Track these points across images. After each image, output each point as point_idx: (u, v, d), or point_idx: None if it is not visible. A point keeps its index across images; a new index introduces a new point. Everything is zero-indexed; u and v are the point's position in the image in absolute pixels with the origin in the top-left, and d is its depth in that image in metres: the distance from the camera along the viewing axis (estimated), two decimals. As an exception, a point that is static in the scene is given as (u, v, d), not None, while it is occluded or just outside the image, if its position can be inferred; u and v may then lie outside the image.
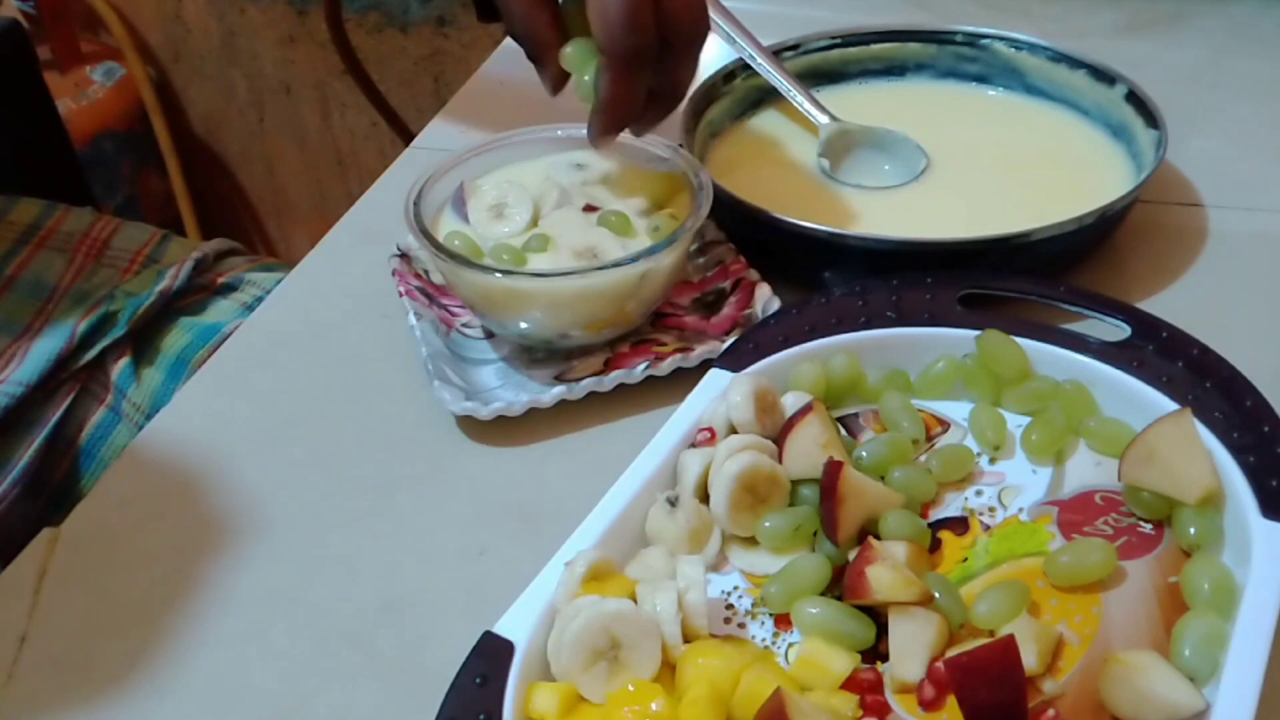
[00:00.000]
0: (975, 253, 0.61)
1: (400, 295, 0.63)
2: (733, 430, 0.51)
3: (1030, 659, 0.42)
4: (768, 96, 0.76)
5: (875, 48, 0.78)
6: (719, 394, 0.53)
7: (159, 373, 0.77)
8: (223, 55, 1.70)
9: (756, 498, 0.49)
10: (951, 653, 0.43)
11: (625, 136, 0.64)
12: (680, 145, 0.65)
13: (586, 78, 0.57)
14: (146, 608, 0.51)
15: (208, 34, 1.70)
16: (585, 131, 0.59)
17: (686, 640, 0.44)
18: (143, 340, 0.78)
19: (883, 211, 0.68)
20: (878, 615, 0.45)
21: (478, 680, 0.42)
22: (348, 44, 1.36)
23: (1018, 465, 0.52)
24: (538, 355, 0.61)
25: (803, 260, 0.64)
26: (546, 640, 0.43)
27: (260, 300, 0.80)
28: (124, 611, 0.51)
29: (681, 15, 0.55)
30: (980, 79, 0.77)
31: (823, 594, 0.46)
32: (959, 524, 0.50)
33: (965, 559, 0.48)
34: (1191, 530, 0.47)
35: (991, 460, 0.52)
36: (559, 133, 0.65)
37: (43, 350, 0.75)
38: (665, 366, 0.58)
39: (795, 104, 0.73)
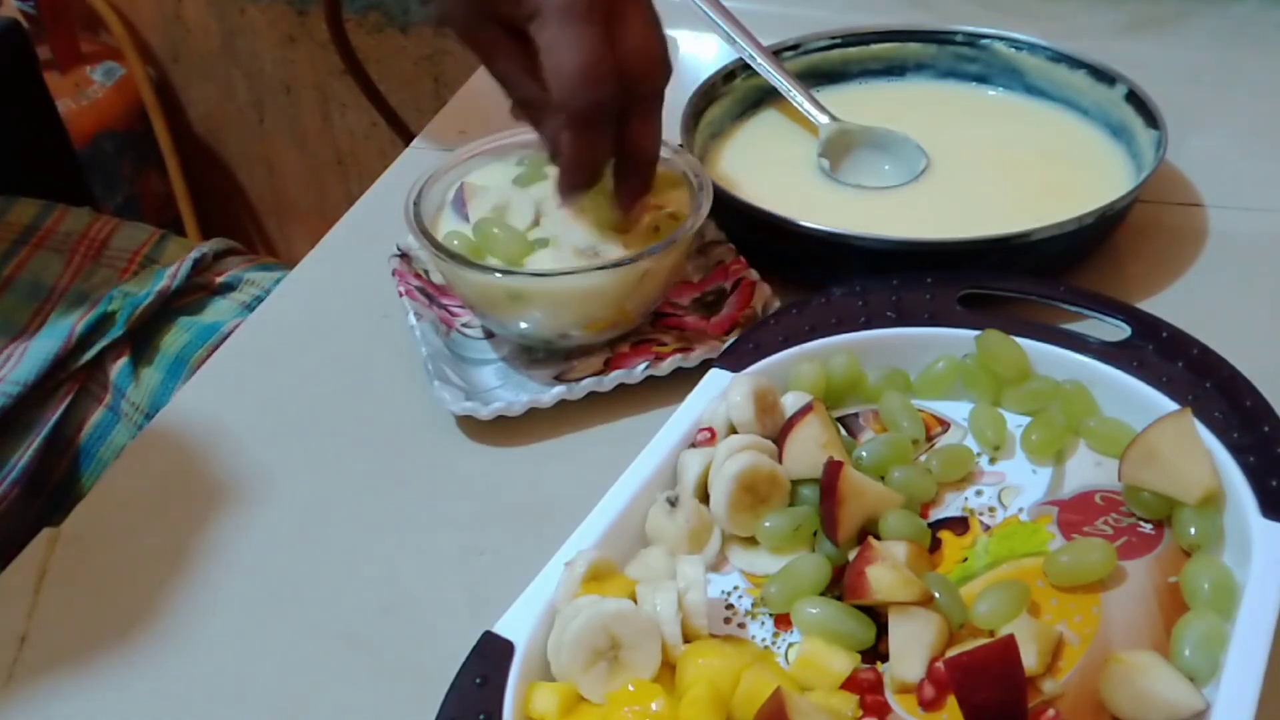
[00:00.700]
0: (975, 253, 0.61)
1: (400, 295, 0.63)
2: (733, 430, 0.51)
3: (1030, 659, 0.42)
4: (768, 96, 0.76)
5: (875, 48, 0.78)
6: (719, 394, 0.53)
7: (158, 372, 0.77)
8: (223, 55, 1.70)
9: (756, 498, 0.49)
10: (951, 653, 0.43)
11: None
12: (680, 145, 0.65)
13: None
14: (146, 608, 0.51)
15: (208, 34, 1.69)
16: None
17: (686, 640, 0.44)
18: (141, 340, 0.78)
19: (883, 211, 0.68)
20: (878, 615, 0.45)
21: (478, 680, 0.42)
22: (348, 44, 1.36)
23: (1018, 465, 0.52)
24: (538, 355, 0.61)
25: (803, 260, 0.64)
26: (546, 640, 0.43)
27: (259, 300, 0.80)
28: (124, 611, 0.51)
29: (638, 66, 0.53)
30: (980, 79, 0.77)
31: (823, 594, 0.46)
32: (959, 524, 0.50)
33: (965, 559, 0.48)
34: (1191, 530, 0.47)
35: (991, 460, 0.52)
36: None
37: (40, 350, 0.75)
38: (665, 366, 0.58)
39: (795, 104, 0.73)
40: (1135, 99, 0.69)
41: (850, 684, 0.43)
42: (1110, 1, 0.93)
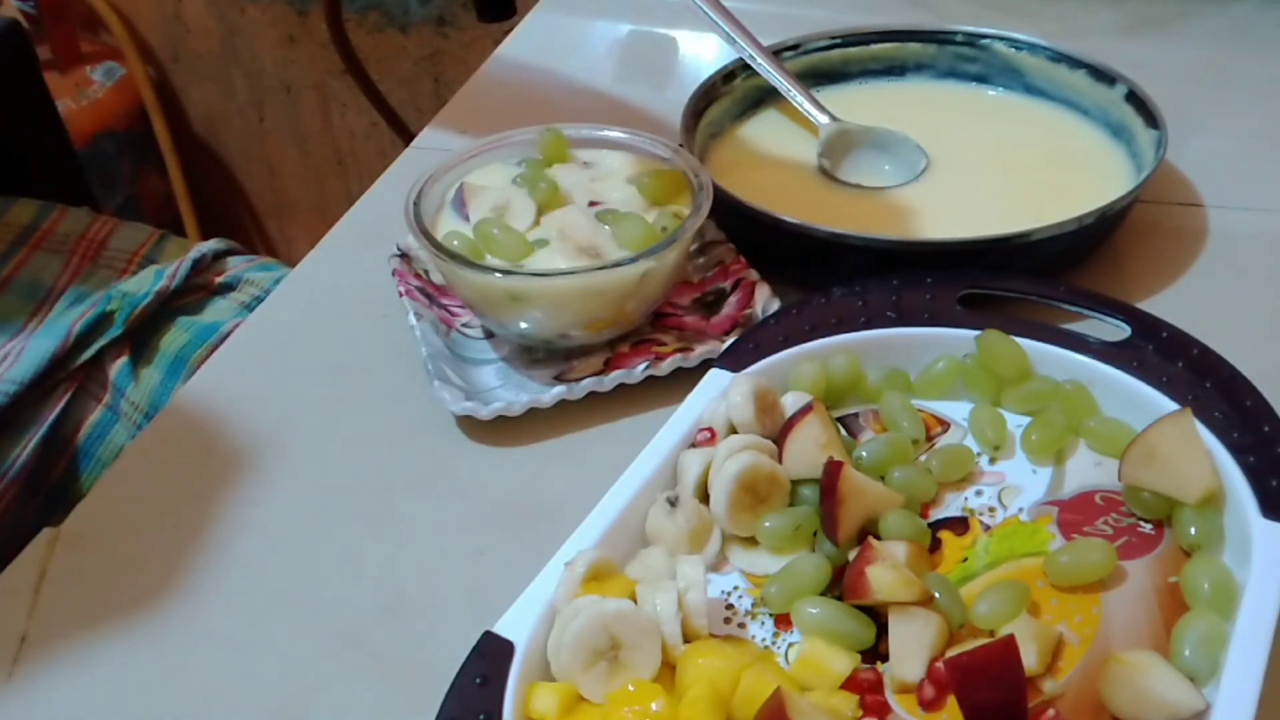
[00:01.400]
0: (975, 253, 0.61)
1: (400, 295, 0.63)
2: (733, 430, 0.51)
3: (1030, 659, 0.42)
4: (768, 96, 0.76)
5: (875, 48, 0.78)
6: (719, 394, 0.53)
7: (157, 372, 0.77)
8: (223, 55, 1.70)
9: (756, 498, 0.49)
10: (951, 653, 0.43)
11: (625, 136, 0.64)
12: (680, 145, 0.65)
13: None
14: (146, 608, 0.51)
15: (208, 34, 1.70)
16: (587, 131, 0.58)
17: (686, 640, 0.44)
18: (140, 340, 0.78)
19: (883, 211, 0.68)
20: (878, 615, 0.45)
21: (478, 680, 0.42)
22: (348, 44, 1.36)
23: (1018, 465, 0.52)
24: (538, 355, 0.61)
25: (803, 260, 0.64)
26: (546, 640, 0.43)
27: (258, 299, 0.80)
28: (124, 611, 0.51)
29: None
30: (980, 79, 0.77)
31: (823, 594, 0.46)
32: (959, 524, 0.50)
33: (965, 559, 0.48)
34: (1192, 530, 0.47)
35: (991, 460, 0.52)
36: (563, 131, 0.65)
37: (38, 349, 0.75)
38: (665, 366, 0.58)
39: (795, 104, 0.73)
40: (1135, 99, 0.69)
41: (850, 684, 0.43)
42: (1110, 1, 0.93)
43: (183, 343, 0.78)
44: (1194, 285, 0.65)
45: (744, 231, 0.66)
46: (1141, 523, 0.49)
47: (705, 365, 0.56)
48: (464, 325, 0.64)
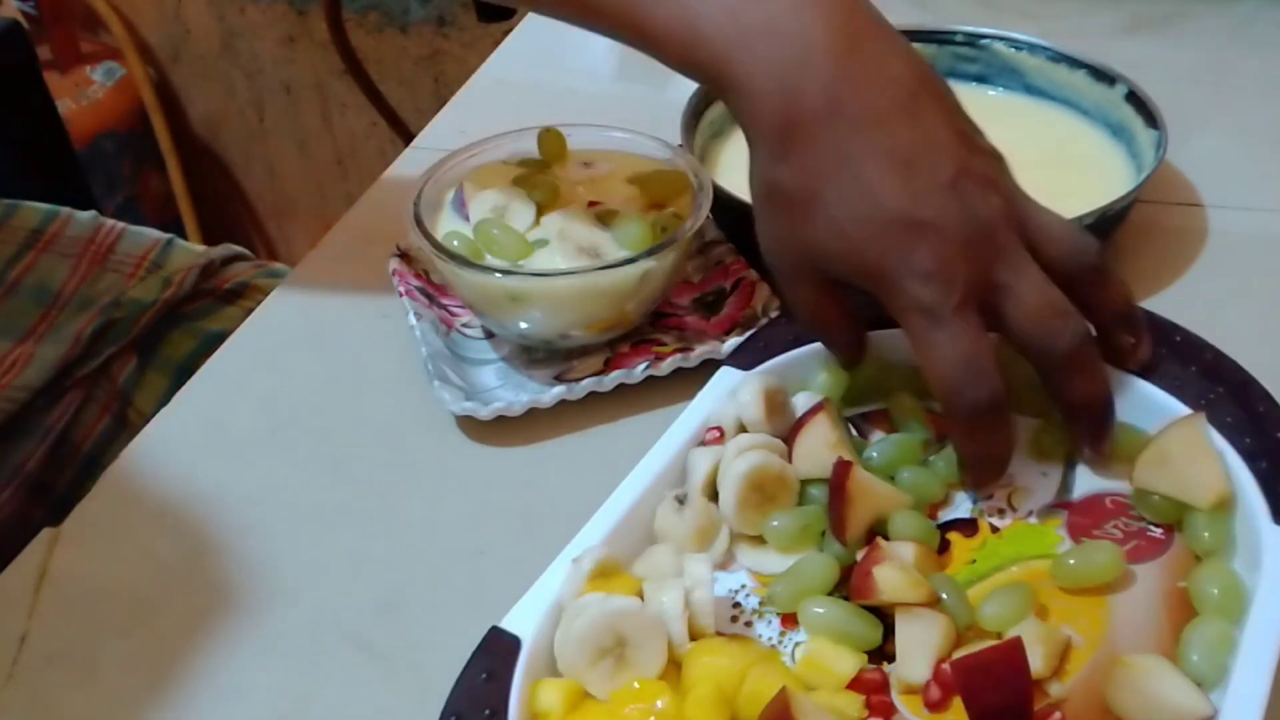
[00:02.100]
0: (976, 252, 0.60)
1: (400, 295, 0.63)
2: (742, 429, 0.51)
3: (1037, 661, 0.42)
4: (768, 96, 0.76)
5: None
6: (728, 392, 0.53)
7: (164, 379, 0.77)
8: (223, 55, 1.70)
9: (764, 496, 0.49)
10: (958, 654, 0.43)
11: (625, 136, 0.64)
12: (680, 145, 0.65)
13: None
14: (146, 608, 0.51)
15: (208, 34, 1.70)
16: (587, 131, 0.57)
17: (692, 639, 0.44)
18: (147, 347, 0.78)
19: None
20: (884, 616, 0.45)
21: (483, 676, 0.42)
22: (348, 44, 1.36)
23: (1027, 467, 0.52)
24: (538, 355, 0.61)
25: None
26: (552, 637, 0.43)
27: None
28: (124, 611, 0.51)
29: (1037, 338, 0.47)
30: (980, 79, 0.77)
31: (830, 594, 0.46)
32: (967, 525, 0.50)
33: (973, 560, 0.48)
34: (1205, 534, 0.46)
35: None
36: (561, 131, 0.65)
37: (47, 355, 0.75)
38: (665, 366, 0.58)
39: (796, 104, 0.73)
40: (1135, 99, 0.69)
41: (856, 684, 0.43)
42: (1110, 1, 0.93)
43: (190, 350, 0.77)
44: (1194, 285, 0.65)
45: (744, 231, 0.65)
46: (1150, 527, 0.49)
47: (705, 365, 0.56)
48: (464, 325, 0.64)
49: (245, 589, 0.52)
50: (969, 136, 0.50)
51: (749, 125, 0.50)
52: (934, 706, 0.43)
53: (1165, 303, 0.63)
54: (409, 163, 0.79)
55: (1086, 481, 0.51)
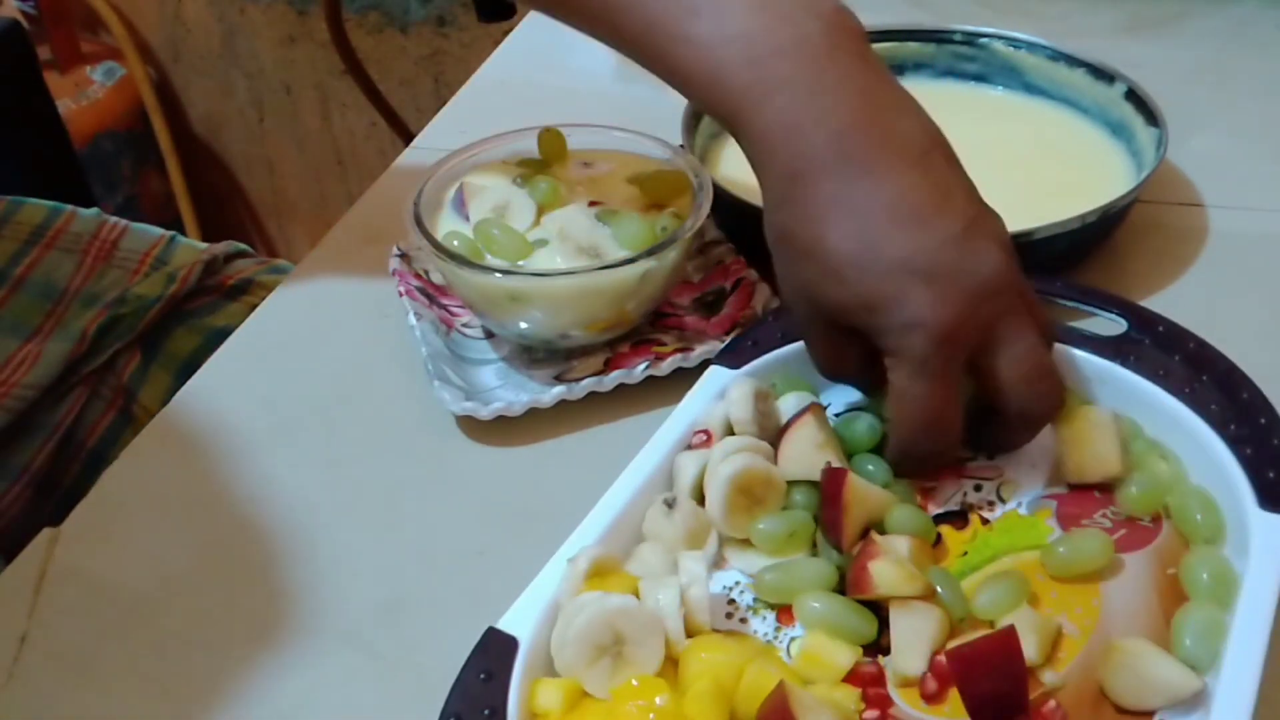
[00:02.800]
0: (976, 251, 0.61)
1: (400, 295, 0.63)
2: (730, 431, 0.51)
3: (1030, 650, 0.42)
4: (767, 96, 0.76)
5: (874, 47, 0.78)
6: (717, 393, 0.53)
7: (168, 376, 0.77)
8: (223, 55, 1.70)
9: (752, 500, 0.49)
10: (952, 645, 0.43)
11: (625, 136, 0.65)
12: (680, 145, 0.65)
13: None
14: (147, 608, 0.51)
15: (208, 34, 1.70)
16: (587, 131, 0.58)
17: (689, 635, 0.44)
18: (152, 343, 0.78)
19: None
20: (879, 609, 0.45)
21: (482, 676, 0.42)
22: (348, 44, 1.36)
23: (1016, 460, 0.52)
24: (538, 355, 0.61)
25: (803, 259, 0.64)
26: (550, 636, 0.43)
27: None
28: (124, 611, 0.51)
29: (1015, 401, 0.49)
30: (979, 78, 0.77)
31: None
32: (958, 518, 0.50)
33: (965, 553, 0.48)
34: (1197, 517, 0.47)
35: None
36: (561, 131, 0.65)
37: (54, 353, 0.75)
38: (665, 366, 0.58)
39: (795, 103, 0.73)
40: (1134, 97, 0.69)
41: (852, 678, 0.44)
42: (1110, 1, 0.93)
43: (194, 346, 0.78)
44: (1194, 285, 0.65)
45: (744, 231, 0.66)
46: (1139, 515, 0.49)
47: (705, 365, 0.56)
48: (464, 325, 0.64)
49: (246, 589, 0.52)
50: (977, 196, 0.50)
51: (760, 170, 0.51)
52: (931, 698, 0.43)
53: (1165, 303, 0.63)
54: (409, 163, 0.80)
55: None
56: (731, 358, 0.55)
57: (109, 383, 0.77)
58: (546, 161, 0.64)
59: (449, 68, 1.56)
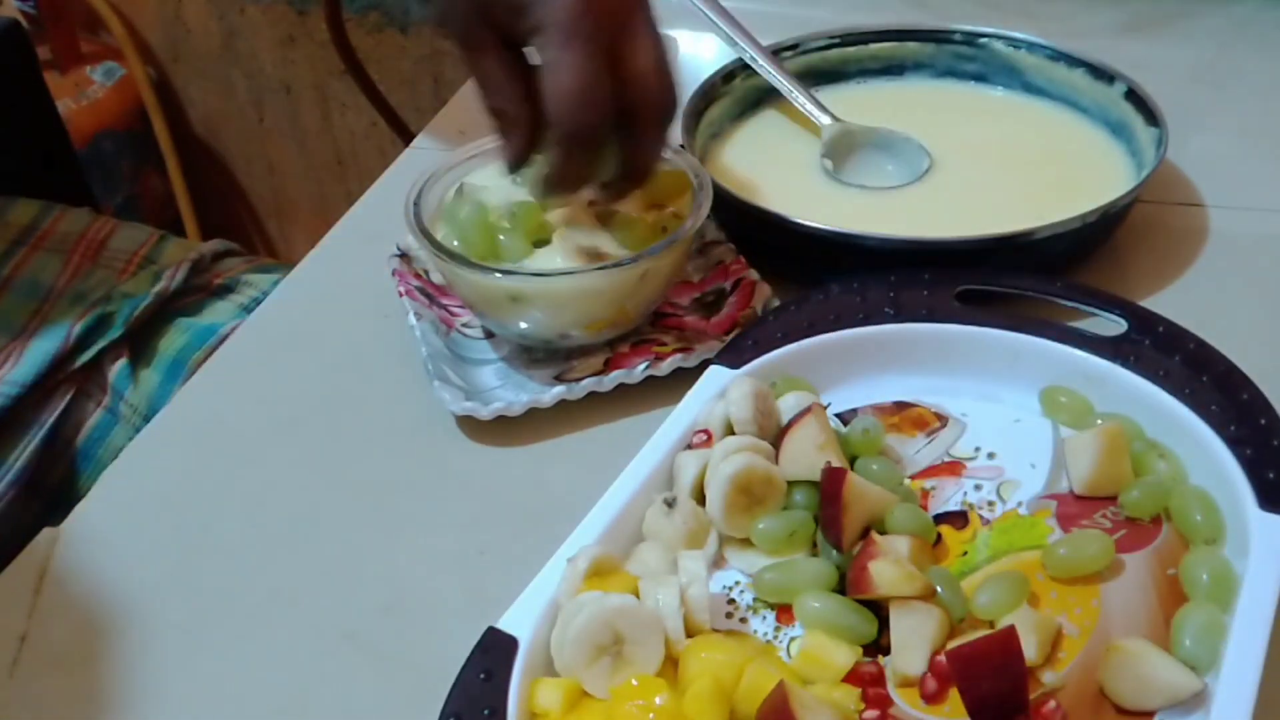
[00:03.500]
0: (979, 252, 0.61)
1: (400, 295, 0.63)
2: (730, 430, 0.51)
3: (1030, 649, 0.42)
4: (767, 96, 0.76)
5: (874, 47, 0.78)
6: (717, 392, 0.53)
7: (156, 374, 0.77)
8: (223, 55, 1.70)
9: (752, 499, 0.49)
10: (952, 645, 0.43)
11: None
12: (680, 145, 0.65)
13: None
14: (146, 608, 0.51)
15: (208, 34, 1.69)
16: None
17: (689, 635, 0.44)
18: (140, 341, 0.78)
19: (886, 211, 0.68)
20: (879, 609, 0.45)
21: (482, 675, 0.42)
22: (348, 44, 1.35)
23: (1016, 460, 0.52)
24: (538, 355, 0.61)
25: (806, 261, 0.64)
26: (550, 636, 0.43)
27: (257, 301, 0.80)
28: (124, 611, 0.51)
29: (642, 92, 0.53)
30: (979, 78, 0.77)
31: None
32: (958, 518, 0.50)
33: (965, 553, 0.48)
34: (1197, 517, 0.47)
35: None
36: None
37: (39, 351, 0.75)
38: (665, 366, 0.58)
39: (797, 105, 0.73)
40: (1134, 96, 0.69)
41: (852, 677, 0.44)
42: (1110, 1, 0.93)
43: (182, 344, 0.78)
44: (1194, 285, 0.65)
45: (744, 231, 0.66)
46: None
47: (705, 365, 0.56)
48: (464, 325, 0.64)
49: (245, 589, 0.52)
50: None
51: None
52: (931, 698, 0.43)
53: (1165, 302, 0.63)
54: (409, 163, 0.80)
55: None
56: (731, 358, 0.55)
57: (96, 381, 0.77)
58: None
59: (449, 68, 1.56)
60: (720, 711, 0.41)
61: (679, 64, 0.55)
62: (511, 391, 0.59)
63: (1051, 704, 0.42)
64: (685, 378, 0.56)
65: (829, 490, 0.47)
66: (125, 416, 0.77)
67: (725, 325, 0.61)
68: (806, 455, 0.49)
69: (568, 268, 0.57)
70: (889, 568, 0.44)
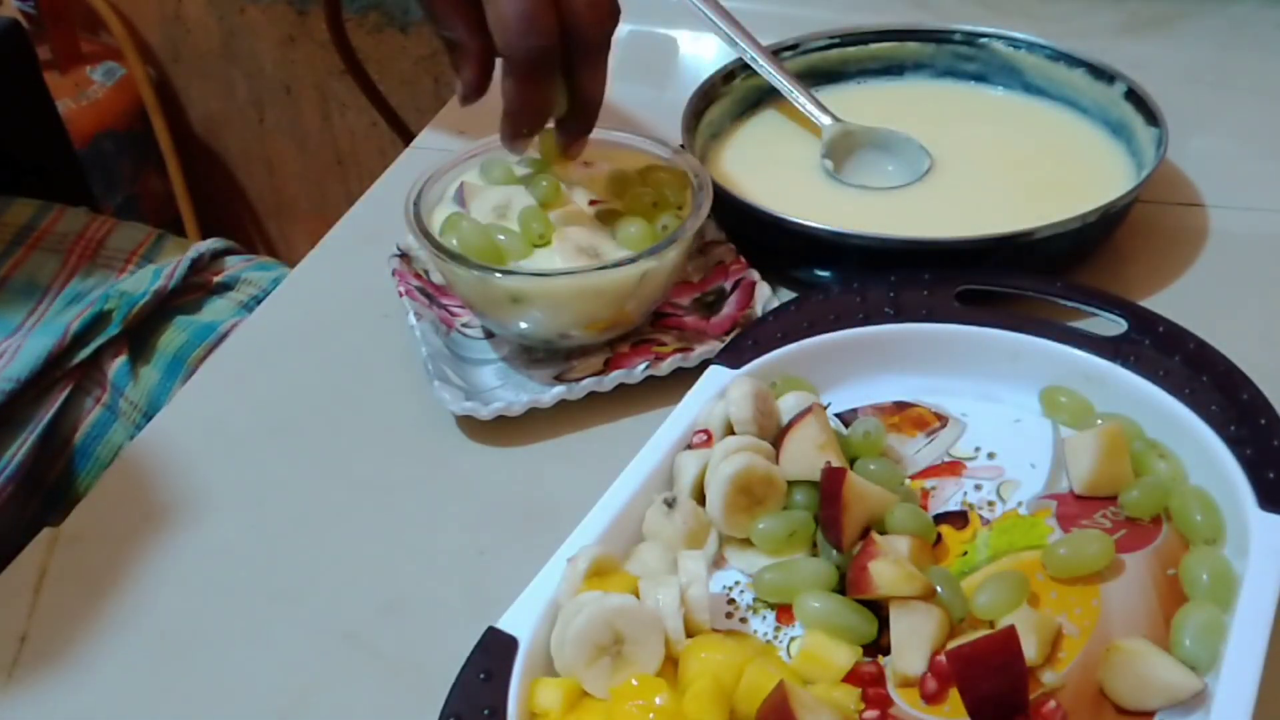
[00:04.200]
0: (980, 251, 0.61)
1: (400, 295, 0.63)
2: (730, 431, 0.51)
3: (1030, 649, 0.43)
4: (767, 96, 0.76)
5: (874, 47, 0.78)
6: (717, 392, 0.53)
7: (156, 371, 0.77)
8: (223, 55, 1.70)
9: (752, 499, 0.49)
10: (952, 645, 0.43)
11: (625, 136, 0.64)
12: (680, 145, 0.65)
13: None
14: (146, 608, 0.51)
15: (208, 34, 1.69)
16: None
17: (688, 635, 0.44)
18: (139, 339, 0.78)
19: (887, 211, 0.68)
20: (879, 609, 0.45)
21: (482, 676, 0.42)
22: (348, 44, 1.35)
23: (1016, 460, 0.52)
24: (538, 355, 0.61)
25: (806, 261, 0.64)
26: (550, 636, 0.43)
27: (256, 299, 0.80)
28: (124, 611, 0.51)
29: (584, 14, 0.54)
30: (979, 78, 0.77)
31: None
32: (958, 518, 0.50)
33: (965, 553, 0.48)
34: (1197, 517, 0.47)
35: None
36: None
37: (35, 347, 0.75)
38: (665, 366, 0.58)
39: (797, 105, 0.73)
40: (1134, 96, 0.69)
41: (852, 677, 0.44)
42: (1110, 1, 0.93)
43: (181, 342, 0.78)
44: (1194, 285, 0.65)
45: (744, 231, 0.66)
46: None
47: (705, 365, 0.56)
48: (464, 325, 0.64)
49: (245, 589, 0.52)
50: None
51: None
52: (931, 698, 0.43)
53: (1165, 303, 0.63)
54: (409, 163, 0.80)
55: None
56: (731, 358, 0.55)
57: (94, 378, 0.77)
58: (547, 161, 0.64)
59: (449, 68, 1.56)
60: (720, 711, 0.41)
61: None
62: (511, 391, 0.59)
63: (1051, 704, 0.42)
64: (685, 378, 0.56)
65: (829, 490, 0.47)
66: (124, 413, 0.77)
67: (725, 325, 0.61)
68: (806, 455, 0.49)
69: (568, 268, 0.57)
70: (889, 568, 0.44)
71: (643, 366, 0.58)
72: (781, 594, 0.47)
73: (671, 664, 0.43)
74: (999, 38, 0.75)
